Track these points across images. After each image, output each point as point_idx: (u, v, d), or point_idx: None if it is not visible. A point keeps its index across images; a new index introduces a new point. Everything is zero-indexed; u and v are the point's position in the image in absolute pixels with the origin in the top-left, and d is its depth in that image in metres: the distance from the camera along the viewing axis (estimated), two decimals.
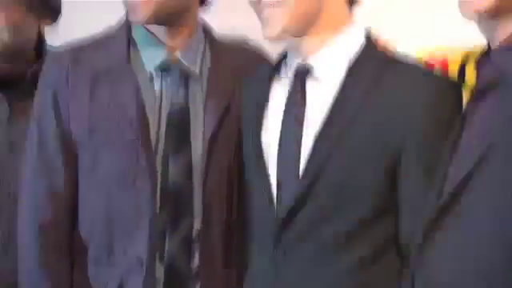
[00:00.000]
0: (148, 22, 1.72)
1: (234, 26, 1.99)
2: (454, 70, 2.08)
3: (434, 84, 1.56)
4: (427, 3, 2.07)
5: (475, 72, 1.43)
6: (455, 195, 1.32)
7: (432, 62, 2.11)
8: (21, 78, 1.97)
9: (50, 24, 2.00)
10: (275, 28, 1.56)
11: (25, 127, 1.83)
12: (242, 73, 1.79)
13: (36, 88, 1.83)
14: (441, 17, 1.94)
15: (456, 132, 1.42)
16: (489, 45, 1.40)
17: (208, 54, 1.82)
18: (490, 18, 1.36)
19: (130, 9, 1.71)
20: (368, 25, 1.70)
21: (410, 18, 2.20)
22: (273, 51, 1.79)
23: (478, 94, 1.39)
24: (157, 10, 1.67)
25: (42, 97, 1.79)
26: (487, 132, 1.31)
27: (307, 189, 1.55)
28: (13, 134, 1.93)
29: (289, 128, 1.60)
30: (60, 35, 2.07)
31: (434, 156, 1.46)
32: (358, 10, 1.65)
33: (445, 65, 2.15)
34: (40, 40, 2.03)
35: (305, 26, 1.57)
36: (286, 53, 1.67)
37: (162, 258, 1.74)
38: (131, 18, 1.73)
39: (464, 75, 1.71)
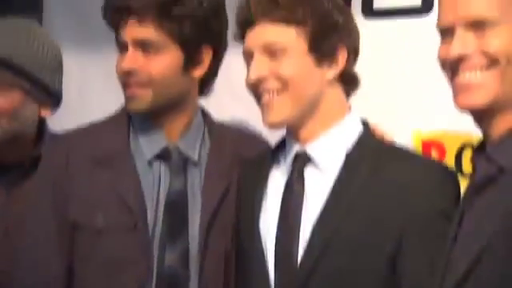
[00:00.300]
0: (146, 112, 1.75)
1: (234, 114, 2.06)
2: (450, 155, 2.16)
3: (432, 173, 1.58)
4: (423, 88, 2.09)
5: (471, 164, 1.44)
6: (458, 284, 1.31)
7: (428, 147, 2.14)
8: (19, 163, 1.96)
9: (51, 111, 2.01)
10: (276, 115, 1.59)
11: (21, 212, 1.82)
12: (242, 157, 1.81)
13: (35, 172, 1.84)
14: (436, 101, 1.97)
15: (455, 224, 1.43)
16: (484, 137, 1.42)
17: (207, 139, 1.84)
18: (484, 113, 1.38)
19: (127, 98, 1.75)
20: (364, 109, 1.74)
21: (405, 102, 2.21)
22: (271, 138, 1.81)
23: (476, 188, 1.40)
24: (154, 100, 1.71)
25: (41, 183, 1.80)
26: (487, 226, 1.32)
27: (305, 279, 1.54)
28: (9, 219, 1.91)
29: (287, 217, 1.61)
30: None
31: (434, 245, 1.47)
32: (354, 94, 1.68)
33: (441, 149, 2.16)
34: (41, 124, 2.04)
35: (305, 114, 1.60)
36: (285, 139, 1.69)
37: None
38: (129, 107, 1.76)
39: (461, 163, 1.75)
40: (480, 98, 1.36)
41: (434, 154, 2.13)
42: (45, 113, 1.94)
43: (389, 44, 2.24)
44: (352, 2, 2.25)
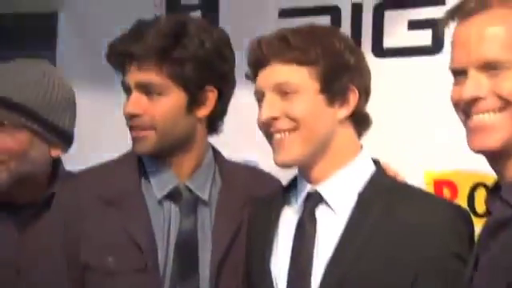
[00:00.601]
0: (152, 154, 1.75)
1: (246, 152, 2.07)
2: (462, 195, 2.16)
3: (445, 213, 1.56)
4: (434, 127, 2.10)
5: (486, 206, 1.44)
6: None
7: (440, 186, 2.14)
8: (32, 203, 1.94)
9: (62, 150, 1.99)
10: (287, 154, 1.57)
11: (34, 253, 1.81)
12: (253, 196, 1.79)
13: (47, 211, 1.83)
14: (448, 140, 1.98)
15: (471, 266, 1.41)
16: (499, 178, 1.41)
17: (218, 178, 1.83)
18: (498, 155, 1.37)
19: (133, 140, 1.75)
20: (375, 148, 1.72)
21: (417, 141, 2.21)
22: (283, 177, 1.80)
23: (491, 230, 1.38)
24: (158, 141, 1.71)
25: (53, 223, 1.79)
26: (504, 270, 1.29)
27: None
28: (21, 259, 1.89)
29: (298, 258, 1.59)
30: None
31: (449, 287, 1.45)
32: (366, 135, 1.67)
33: (453, 189, 2.15)
34: (55, 163, 2.02)
35: (316, 154, 1.59)
36: (296, 178, 1.68)
37: None
38: (134, 149, 1.77)
39: (474, 203, 1.74)
40: (494, 140, 1.35)
41: (446, 194, 2.12)
42: (55, 153, 1.93)
43: (399, 83, 2.25)
44: (362, 41, 2.28)
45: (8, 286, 1.84)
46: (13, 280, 1.84)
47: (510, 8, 1.38)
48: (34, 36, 2.83)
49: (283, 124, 1.57)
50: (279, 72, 1.58)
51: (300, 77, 1.56)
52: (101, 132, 2.18)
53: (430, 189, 2.14)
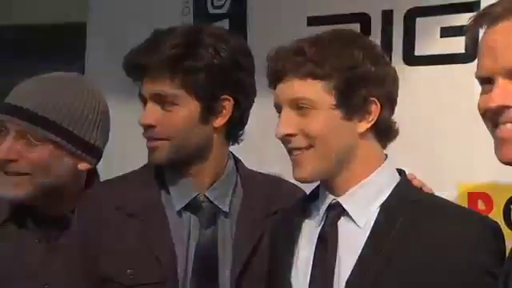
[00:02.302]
0: (166, 164, 1.76)
1: (272, 162, 2.03)
2: (498, 208, 2.06)
3: (473, 227, 1.51)
4: (469, 137, 2.03)
5: None
6: None
7: (475, 199, 2.09)
8: (59, 217, 1.94)
9: (90, 163, 1.97)
10: (305, 171, 1.56)
11: (61, 267, 1.81)
12: (276, 207, 1.79)
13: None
14: (483, 151, 1.91)
15: (502, 282, 1.36)
16: None
17: (240, 188, 1.83)
18: None
19: (148, 150, 1.77)
20: (407, 160, 1.70)
21: (450, 152, 2.16)
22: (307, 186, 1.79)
23: None
24: (173, 151, 1.73)
25: (72, 238, 1.80)
26: None
27: None
28: (47, 275, 1.87)
29: (320, 271, 1.56)
30: None
31: None
32: (397, 145, 1.64)
33: (488, 202, 2.10)
34: (90, 177, 2.01)
35: (335, 168, 1.57)
36: (318, 188, 1.65)
37: None
38: (149, 159, 1.78)
39: (510, 216, 1.70)
40: None
41: (481, 206, 2.08)
42: (83, 166, 1.92)
43: (432, 92, 2.20)
44: (393, 49, 2.24)
45: None
46: None
47: None
48: (63, 47, 2.87)
49: (299, 142, 1.56)
50: (295, 87, 1.56)
51: (315, 92, 1.54)
52: (127, 143, 2.17)
53: (464, 201, 2.10)
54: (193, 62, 1.70)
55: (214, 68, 1.71)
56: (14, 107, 1.83)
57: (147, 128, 1.74)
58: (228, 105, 1.75)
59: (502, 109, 1.33)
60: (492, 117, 1.35)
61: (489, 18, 1.36)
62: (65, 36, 2.90)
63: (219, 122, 1.76)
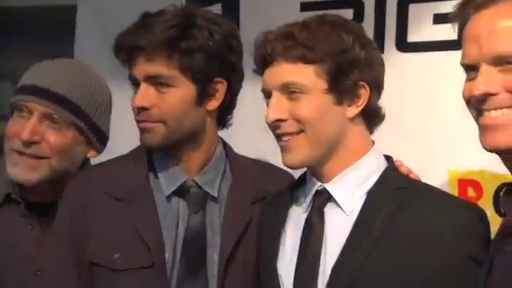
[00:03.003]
0: (160, 147, 1.76)
1: (263, 146, 2.02)
2: (488, 195, 2.08)
3: (459, 214, 1.53)
4: (460, 124, 2.00)
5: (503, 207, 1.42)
6: None
7: (465, 186, 2.11)
8: (52, 203, 1.93)
9: (98, 153, 2.00)
10: (295, 156, 1.57)
11: (52, 253, 1.80)
12: (264, 192, 1.80)
13: None
14: (474, 138, 1.92)
15: (486, 268, 1.38)
16: None
17: (229, 173, 1.84)
18: (509, 153, 1.34)
19: (141, 134, 1.76)
20: (398, 146, 1.72)
21: (441, 139, 2.18)
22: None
23: (506, 232, 1.36)
24: (167, 134, 1.72)
25: (59, 222, 1.81)
26: None
27: None
28: (40, 259, 1.88)
29: (306, 256, 1.58)
30: None
31: None
32: (385, 131, 1.65)
33: (478, 188, 2.12)
34: (83, 164, 2.03)
35: (325, 154, 1.57)
36: (306, 174, 1.66)
37: None
38: (143, 142, 1.76)
39: (499, 203, 1.70)
40: (506, 139, 1.33)
41: (471, 193, 2.10)
42: (92, 154, 1.95)
43: (424, 78, 2.22)
44: (386, 36, 2.25)
45: (28, 285, 1.85)
46: (32, 278, 1.85)
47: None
48: (53, 29, 2.86)
49: (290, 127, 1.56)
50: (285, 71, 1.55)
51: (306, 76, 1.54)
52: (117, 126, 2.19)
53: (454, 188, 2.12)
54: (190, 43, 1.70)
55: (209, 49, 1.71)
56: (41, 89, 1.84)
57: (141, 110, 1.73)
58: (221, 88, 1.75)
59: (485, 96, 1.34)
60: (476, 104, 1.36)
61: (472, 5, 1.37)
62: (54, 18, 2.89)
63: (212, 104, 1.76)
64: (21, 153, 1.82)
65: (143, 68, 1.72)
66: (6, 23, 3.08)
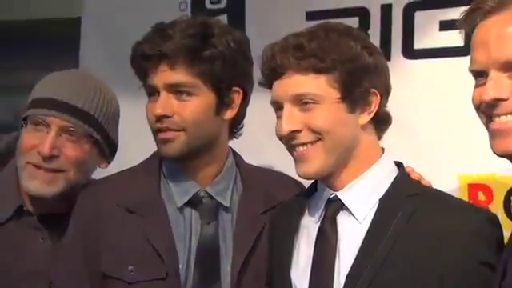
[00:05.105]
0: (179, 156, 1.77)
1: (271, 156, 2.07)
2: (498, 199, 2.10)
3: (472, 219, 1.55)
4: (469, 129, 2.01)
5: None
6: None
7: (475, 190, 2.13)
8: (63, 215, 1.96)
9: (107, 165, 2.03)
10: (311, 166, 1.58)
11: (65, 266, 1.83)
12: (275, 201, 1.82)
13: None
14: (483, 143, 1.96)
15: (499, 273, 1.40)
16: None
17: (239, 182, 1.86)
18: None
19: (161, 142, 1.77)
20: (408, 151, 1.77)
21: (450, 144, 2.21)
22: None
23: None
24: (187, 143, 1.75)
25: (71, 234, 1.84)
26: None
27: None
28: (52, 273, 1.89)
29: (320, 265, 1.60)
30: None
31: None
32: (395, 138, 1.67)
33: (489, 193, 2.14)
34: None
35: (339, 162, 1.60)
36: (316, 183, 1.68)
37: None
38: (163, 152, 1.78)
39: (510, 207, 1.76)
40: None
41: (481, 198, 2.11)
42: (104, 165, 1.99)
43: (431, 85, 2.24)
44: (392, 43, 2.28)
45: None
46: None
47: None
48: (59, 41, 2.89)
49: (306, 137, 1.57)
50: (297, 82, 1.57)
51: (319, 86, 1.56)
52: (123, 137, 2.25)
53: (464, 193, 2.14)
54: (210, 51, 1.73)
55: (227, 58, 1.74)
56: (59, 102, 1.86)
57: (160, 119, 1.74)
58: (237, 97, 1.79)
59: (495, 102, 1.36)
60: (486, 110, 1.38)
61: (480, 12, 1.39)
62: (58, 31, 2.91)
63: (229, 114, 1.79)
64: (38, 166, 1.84)
65: (164, 76, 1.73)
66: (8, 36, 3.11)
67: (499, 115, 1.37)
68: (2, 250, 1.87)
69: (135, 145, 1.93)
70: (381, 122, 1.63)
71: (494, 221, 1.55)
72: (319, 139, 1.57)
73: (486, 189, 2.11)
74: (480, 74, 1.39)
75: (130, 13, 2.63)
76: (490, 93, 1.36)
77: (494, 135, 1.38)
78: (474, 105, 1.42)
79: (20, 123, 1.93)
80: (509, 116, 1.36)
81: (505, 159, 1.42)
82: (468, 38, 1.48)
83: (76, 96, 1.88)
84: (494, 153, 1.38)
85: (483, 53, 1.38)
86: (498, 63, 1.35)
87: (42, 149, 1.82)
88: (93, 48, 2.77)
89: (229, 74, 1.76)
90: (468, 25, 1.44)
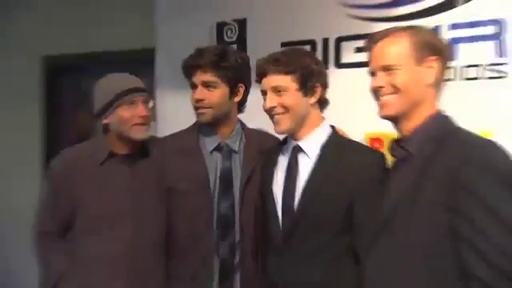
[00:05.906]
0: (209, 122, 2.07)
1: (260, 124, 2.34)
2: (386, 145, 2.26)
3: (372, 156, 1.82)
4: (371, 104, 2.17)
5: (390, 151, 1.67)
6: (387, 220, 1.55)
7: (374, 141, 2.62)
8: (139, 150, 2.06)
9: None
10: (282, 127, 1.86)
11: (140, 184, 2.10)
12: (263, 148, 2.11)
13: (146, 158, 2.15)
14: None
15: (385, 185, 1.63)
16: (398, 134, 1.64)
17: (243, 137, 2.15)
18: (394, 119, 1.61)
19: (198, 115, 2.07)
20: (335, 120, 2.00)
21: (360, 113, 2.62)
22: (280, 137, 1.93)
23: (395, 165, 1.61)
24: (213, 115, 2.06)
25: (152, 165, 2.16)
26: (402, 186, 1.55)
27: (299, 218, 1.81)
28: (133, 187, 2.19)
29: (288, 183, 1.89)
30: None
31: (374, 198, 1.72)
32: (328, 115, 1.91)
33: (381, 143, 2.67)
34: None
35: (299, 125, 1.85)
36: (287, 137, 1.93)
37: (217, 257, 2.09)
38: (199, 120, 2.07)
39: (391, 151, 1.94)
40: (390, 111, 1.63)
41: (377, 145, 2.57)
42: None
43: (351, 83, 2.71)
44: (329, 59, 2.75)
45: (124, 203, 2.10)
46: (129, 200, 2.13)
47: (394, 36, 1.60)
48: (137, 68, 2.74)
49: (279, 111, 1.85)
50: (274, 79, 1.84)
51: (286, 81, 1.84)
52: (178, 115, 2.60)
53: (367, 142, 2.53)
54: (226, 63, 2.01)
55: (236, 67, 2.03)
56: (137, 88, 2.09)
57: (198, 101, 2.02)
58: (242, 89, 2.06)
59: (378, 88, 1.60)
60: (375, 93, 1.62)
61: (373, 41, 1.62)
62: (134, 60, 2.91)
63: (236, 99, 2.06)
64: (141, 124, 2.11)
65: (200, 77, 2.03)
66: (92, 66, 2.94)
67: (382, 95, 1.61)
68: (106, 177, 2.12)
69: (185, 117, 2.18)
70: (322, 103, 1.88)
71: (383, 156, 1.78)
72: (286, 112, 1.82)
73: (380, 140, 2.61)
74: (373, 74, 1.62)
75: (187, 46, 2.67)
76: (375, 83, 1.60)
77: (379, 107, 1.61)
78: (371, 91, 1.63)
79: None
80: (385, 96, 1.60)
81: (389, 122, 1.63)
82: (369, 55, 1.64)
83: (137, 83, 2.13)
84: (380, 117, 1.61)
85: (374, 62, 1.60)
86: (381, 66, 1.58)
87: (142, 112, 2.05)
88: (164, 71, 3.05)
89: (236, 76, 2.04)
90: (368, 48, 1.64)
